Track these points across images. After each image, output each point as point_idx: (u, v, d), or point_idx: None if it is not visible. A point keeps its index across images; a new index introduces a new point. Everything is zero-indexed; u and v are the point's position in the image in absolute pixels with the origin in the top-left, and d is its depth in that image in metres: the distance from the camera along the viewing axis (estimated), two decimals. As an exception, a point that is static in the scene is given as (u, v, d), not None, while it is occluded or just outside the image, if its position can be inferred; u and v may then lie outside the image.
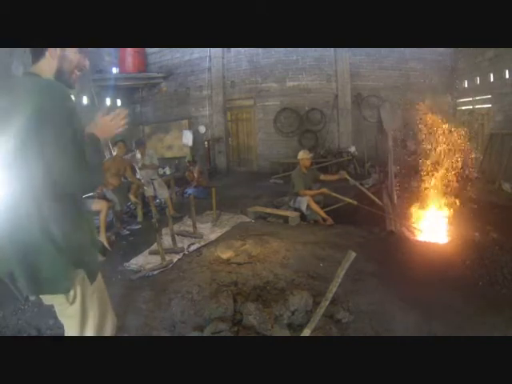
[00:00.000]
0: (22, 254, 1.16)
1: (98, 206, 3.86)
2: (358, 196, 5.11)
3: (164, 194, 5.28)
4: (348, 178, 5.04)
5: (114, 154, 4.79)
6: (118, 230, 4.42)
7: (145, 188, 5.10)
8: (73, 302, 1.26)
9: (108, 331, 1.47)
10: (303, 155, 4.88)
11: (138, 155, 5.36)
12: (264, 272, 2.94)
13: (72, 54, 1.29)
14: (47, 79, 1.23)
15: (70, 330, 1.35)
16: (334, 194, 4.82)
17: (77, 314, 1.30)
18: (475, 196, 4.18)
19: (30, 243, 1.15)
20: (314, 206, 4.64)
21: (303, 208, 4.64)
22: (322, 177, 5.04)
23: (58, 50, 1.25)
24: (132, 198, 4.80)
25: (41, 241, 1.15)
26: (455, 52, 8.33)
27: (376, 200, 4.75)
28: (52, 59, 1.25)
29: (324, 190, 4.77)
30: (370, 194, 4.92)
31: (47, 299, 1.30)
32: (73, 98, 1.24)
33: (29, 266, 1.17)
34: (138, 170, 5.30)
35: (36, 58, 1.25)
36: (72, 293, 1.25)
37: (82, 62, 1.33)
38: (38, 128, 1.08)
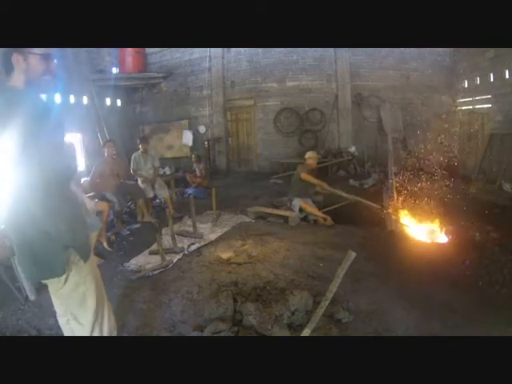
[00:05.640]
0: (22, 242, 1.33)
1: (100, 206, 3.88)
2: (358, 196, 5.09)
3: (164, 194, 5.29)
4: (344, 194, 4.94)
5: (105, 155, 4.76)
6: (119, 230, 4.43)
7: (144, 186, 5.12)
8: (65, 283, 1.40)
9: (106, 320, 1.56)
10: (311, 154, 4.88)
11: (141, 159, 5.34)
12: (264, 272, 2.94)
13: (36, 63, 1.36)
14: (14, 91, 1.33)
15: (69, 308, 1.48)
16: (332, 190, 4.81)
17: (74, 295, 1.44)
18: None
19: (27, 232, 1.31)
20: (309, 209, 4.65)
21: (296, 210, 4.66)
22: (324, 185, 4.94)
23: (22, 63, 1.33)
24: (144, 214, 4.86)
25: (32, 230, 1.30)
26: (455, 52, 8.32)
27: (374, 205, 4.68)
28: (18, 73, 1.34)
29: (324, 184, 4.75)
30: (368, 203, 4.77)
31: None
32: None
33: (28, 253, 1.34)
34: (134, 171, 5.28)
35: (8, 73, 1.36)
36: (64, 274, 1.38)
37: (48, 68, 1.40)
38: (27, 134, 1.22)
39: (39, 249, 1.33)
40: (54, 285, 1.44)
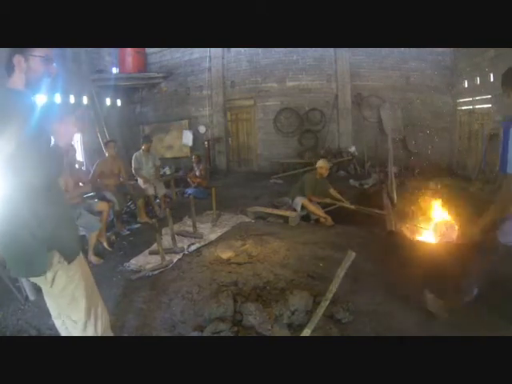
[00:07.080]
0: (7, 241, 1.36)
1: (100, 206, 3.88)
2: (358, 196, 5.11)
3: (160, 192, 5.45)
4: (348, 205, 4.94)
5: (106, 154, 4.78)
6: (119, 230, 4.43)
7: (146, 186, 5.15)
8: (53, 283, 1.42)
9: (100, 320, 1.56)
10: (322, 164, 4.80)
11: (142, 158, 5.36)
12: (264, 272, 2.93)
13: (37, 64, 1.37)
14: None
15: (61, 309, 1.50)
16: (336, 203, 4.87)
17: (64, 295, 1.45)
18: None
19: (10, 233, 1.33)
20: (311, 207, 4.66)
21: (298, 209, 4.69)
22: (332, 191, 4.94)
23: (23, 64, 1.35)
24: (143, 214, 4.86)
25: (18, 229, 1.32)
26: (455, 52, 8.32)
27: (377, 211, 4.70)
28: (20, 73, 1.36)
29: (327, 199, 4.83)
30: (371, 210, 4.80)
31: (34, 279, 1.47)
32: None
33: (12, 252, 1.37)
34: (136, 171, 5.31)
35: (9, 74, 1.37)
36: (50, 274, 1.40)
37: (48, 70, 1.41)
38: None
39: (21, 247, 1.34)
40: (44, 286, 1.45)
